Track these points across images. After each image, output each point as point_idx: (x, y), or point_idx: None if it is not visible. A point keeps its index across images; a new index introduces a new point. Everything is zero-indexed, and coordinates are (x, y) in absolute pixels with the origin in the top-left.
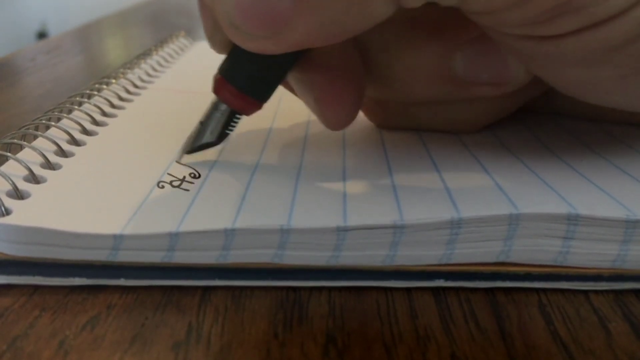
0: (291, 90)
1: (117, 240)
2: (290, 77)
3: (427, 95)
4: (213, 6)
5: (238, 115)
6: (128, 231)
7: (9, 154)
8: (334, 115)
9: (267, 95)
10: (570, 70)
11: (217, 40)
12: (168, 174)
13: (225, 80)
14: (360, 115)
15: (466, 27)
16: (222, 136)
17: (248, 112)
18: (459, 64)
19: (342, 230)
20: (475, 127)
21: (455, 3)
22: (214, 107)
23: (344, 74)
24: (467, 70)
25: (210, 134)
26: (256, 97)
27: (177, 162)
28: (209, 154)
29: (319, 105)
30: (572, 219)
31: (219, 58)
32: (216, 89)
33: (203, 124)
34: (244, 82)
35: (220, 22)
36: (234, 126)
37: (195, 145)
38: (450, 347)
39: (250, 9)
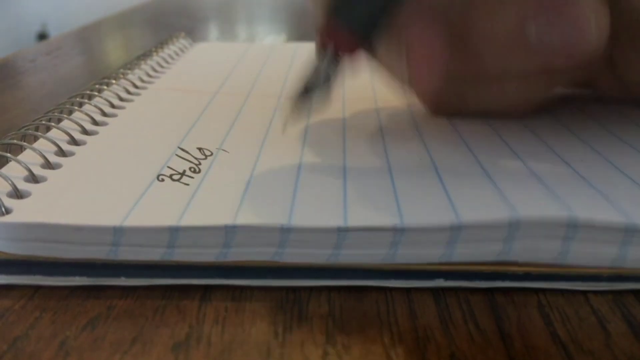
0: (380, 63)
1: (117, 233)
2: (382, 45)
3: (499, 67)
4: None
5: (339, 60)
6: (128, 223)
7: (9, 155)
8: (426, 73)
9: (371, 33)
10: None
11: None
12: (168, 167)
13: (334, 19)
14: (361, 116)
15: None
16: (325, 80)
17: (352, 50)
18: (532, 29)
19: (342, 231)
20: (526, 109)
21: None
22: (321, 54)
23: (432, 24)
24: (540, 36)
25: (315, 80)
26: (361, 33)
27: (282, 133)
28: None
29: (411, 63)
30: (572, 224)
31: (219, 59)
32: (323, 30)
33: (308, 79)
34: (352, 17)
35: None
36: (335, 75)
37: (302, 93)
38: (450, 348)
39: None
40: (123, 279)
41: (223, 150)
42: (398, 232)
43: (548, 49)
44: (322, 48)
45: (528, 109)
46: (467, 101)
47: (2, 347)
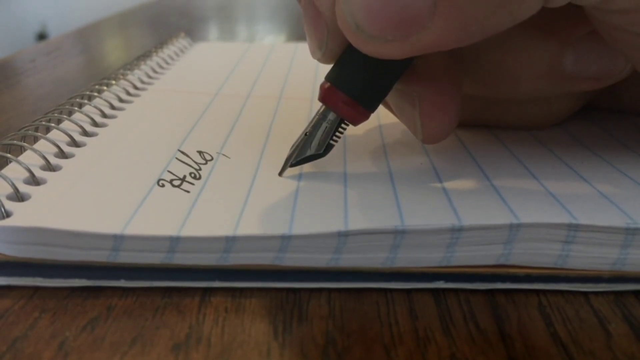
0: (386, 106)
1: (117, 240)
2: (393, 91)
3: (531, 91)
4: (332, 8)
5: (344, 126)
6: (128, 231)
7: (9, 156)
8: (438, 126)
9: (376, 104)
10: None
11: (328, 48)
12: (168, 171)
13: (336, 88)
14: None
15: (577, 24)
16: (328, 148)
17: (357, 122)
18: (569, 60)
19: (343, 235)
20: (547, 125)
21: (596, 3)
22: (321, 117)
23: (447, 83)
24: (576, 66)
25: (317, 145)
26: (367, 106)
27: (280, 175)
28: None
29: (424, 118)
30: (573, 228)
31: (218, 59)
32: (325, 98)
33: (308, 135)
34: (356, 90)
35: (341, 25)
36: (339, 137)
37: (300, 157)
38: (450, 349)
39: (381, 9)
40: (123, 281)
41: (224, 155)
42: (399, 234)
43: (583, 77)
44: (323, 110)
45: (545, 126)
46: (485, 119)
47: (2, 347)
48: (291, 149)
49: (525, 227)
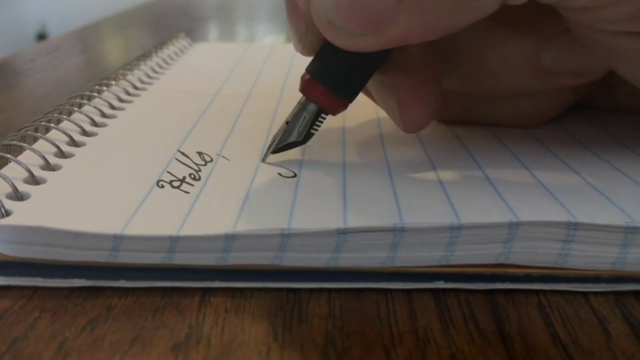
0: (368, 95)
1: (117, 240)
2: (372, 81)
3: (512, 87)
4: (308, 5)
5: (324, 115)
6: (128, 232)
7: (8, 156)
8: (416, 116)
9: (354, 95)
10: None
11: (307, 41)
12: (168, 172)
13: (314, 80)
14: (360, 119)
15: (554, 21)
16: (308, 136)
17: (335, 112)
18: (547, 56)
19: (342, 233)
20: (539, 121)
21: (555, 1)
22: (301, 107)
23: (425, 74)
24: (554, 62)
25: (297, 133)
26: (344, 96)
27: (263, 161)
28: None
29: (402, 107)
30: (572, 227)
31: (218, 59)
32: (305, 89)
33: (289, 124)
34: (334, 81)
35: (315, 20)
36: (318, 126)
37: (281, 144)
38: (450, 349)
39: (350, 5)
40: (122, 281)
41: (223, 157)
42: (398, 233)
43: (562, 72)
44: (304, 100)
45: (537, 123)
46: (476, 116)
47: (2, 347)
48: (273, 137)
49: (524, 225)
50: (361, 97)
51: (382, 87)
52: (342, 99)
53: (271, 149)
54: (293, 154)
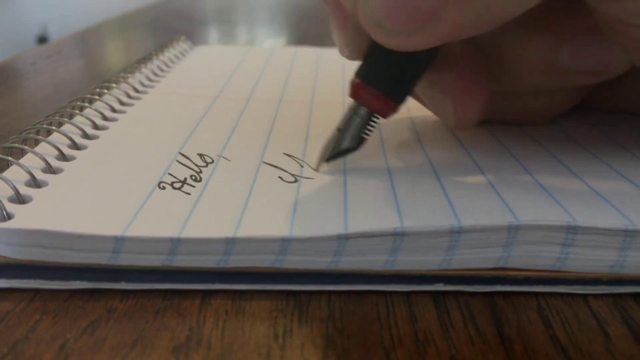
0: (416, 97)
1: (118, 242)
2: (423, 82)
3: (529, 85)
4: (354, 7)
5: (375, 119)
6: (129, 233)
7: (10, 159)
8: (470, 112)
9: (404, 96)
10: None
11: (354, 45)
12: (169, 174)
13: (365, 83)
14: None
15: (573, 21)
16: (360, 141)
17: (387, 114)
18: (565, 55)
19: (343, 238)
20: (548, 119)
21: None
22: (353, 112)
23: (474, 70)
24: (572, 62)
25: (350, 139)
26: (395, 99)
27: (316, 170)
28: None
29: (456, 105)
30: (572, 229)
31: (219, 62)
32: (355, 93)
33: (341, 130)
34: (384, 84)
35: (362, 22)
36: (371, 130)
37: (335, 151)
38: (450, 351)
39: (398, 4)
40: (124, 283)
41: (224, 158)
42: (398, 237)
43: (579, 71)
44: (355, 105)
45: (546, 120)
46: (491, 113)
47: (3, 350)
48: (325, 145)
49: (524, 228)
50: None
51: (433, 87)
52: (393, 102)
53: (325, 157)
54: (292, 155)
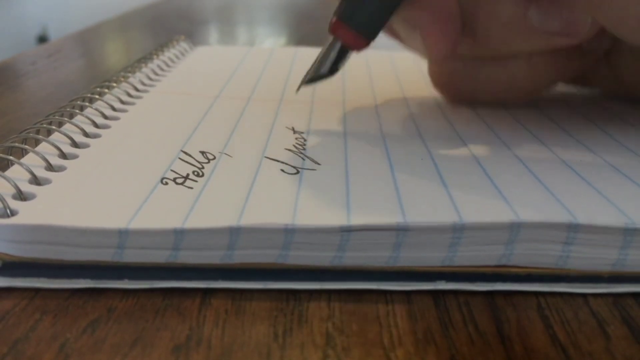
0: (393, 35)
1: (123, 235)
2: (397, 19)
3: (504, 44)
4: None
5: (348, 52)
6: (133, 226)
7: (11, 158)
8: (438, 44)
9: (375, 33)
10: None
11: None
12: (171, 170)
13: (341, 21)
14: (361, 117)
15: None
16: (333, 70)
17: (359, 49)
18: (534, 14)
19: (345, 231)
20: (535, 90)
21: None
22: (330, 46)
23: (444, 9)
24: (541, 21)
25: (325, 68)
26: (366, 35)
27: (296, 92)
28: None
29: (425, 38)
30: (573, 228)
31: (219, 62)
32: (333, 30)
33: (320, 60)
34: (357, 21)
35: None
36: (344, 62)
37: (312, 77)
38: (450, 351)
39: None
40: (126, 281)
41: (226, 154)
42: (401, 233)
43: (549, 31)
44: (332, 40)
45: (533, 92)
46: (478, 84)
47: (3, 349)
48: (306, 72)
49: (526, 227)
50: (360, 94)
51: (406, 24)
52: (365, 38)
53: (304, 81)
54: (294, 151)
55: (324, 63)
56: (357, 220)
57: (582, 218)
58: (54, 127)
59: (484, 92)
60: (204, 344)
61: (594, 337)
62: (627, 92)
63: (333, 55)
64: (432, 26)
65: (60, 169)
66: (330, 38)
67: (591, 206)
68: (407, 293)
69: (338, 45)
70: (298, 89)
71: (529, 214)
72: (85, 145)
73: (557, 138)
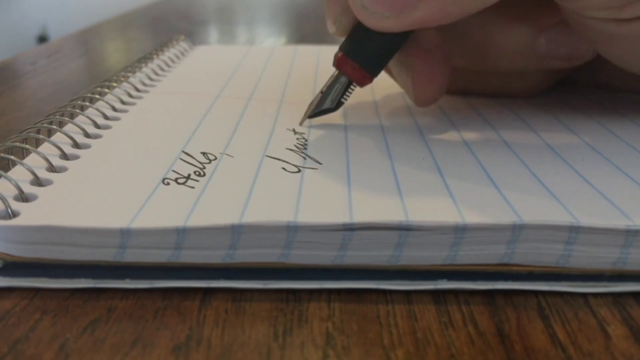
0: (388, 72)
1: (124, 235)
2: (393, 60)
3: (510, 66)
4: None
5: (353, 87)
6: (135, 225)
7: (12, 157)
8: (427, 92)
9: (379, 70)
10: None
11: (341, 24)
12: (173, 170)
13: (346, 56)
14: (363, 117)
15: (550, 14)
16: (339, 104)
17: (363, 84)
18: (542, 43)
19: (348, 229)
20: (531, 93)
21: None
22: (335, 80)
23: (437, 57)
24: (548, 48)
25: (330, 101)
26: (371, 71)
27: (300, 124)
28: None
29: (415, 85)
30: (574, 230)
31: (219, 62)
32: (338, 64)
33: (324, 93)
34: (363, 58)
35: (351, 4)
36: (348, 96)
37: (316, 110)
38: (450, 350)
39: None
40: (128, 280)
41: (227, 154)
42: (403, 232)
43: (554, 57)
44: (337, 74)
45: (527, 95)
46: (473, 87)
47: (3, 349)
48: (310, 104)
49: (528, 227)
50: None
51: (401, 66)
52: (369, 74)
53: (308, 114)
54: (296, 151)
55: (329, 97)
56: (360, 217)
57: (584, 220)
58: (54, 127)
59: (476, 92)
60: (204, 343)
61: (594, 336)
62: (601, 85)
63: (338, 88)
64: (422, 72)
65: (62, 169)
66: (335, 72)
67: (592, 207)
68: (407, 293)
69: (343, 80)
70: (302, 122)
71: (530, 215)
72: (87, 146)
73: (558, 137)
